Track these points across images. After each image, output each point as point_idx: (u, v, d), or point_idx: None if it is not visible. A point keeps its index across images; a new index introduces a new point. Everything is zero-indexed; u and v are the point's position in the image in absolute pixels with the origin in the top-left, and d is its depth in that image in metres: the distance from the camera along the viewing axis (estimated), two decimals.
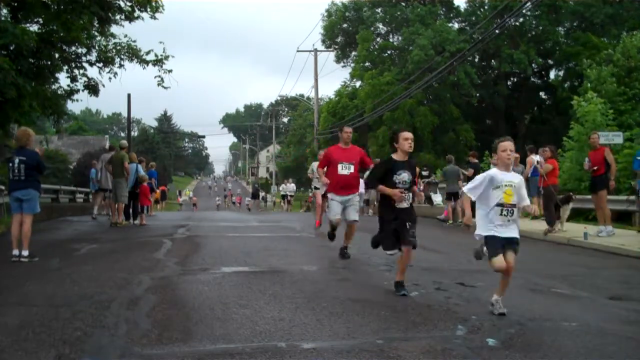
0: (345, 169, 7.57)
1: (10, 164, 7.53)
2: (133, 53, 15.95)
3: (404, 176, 5.35)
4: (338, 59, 42.43)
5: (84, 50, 15.83)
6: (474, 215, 4.82)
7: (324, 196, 11.83)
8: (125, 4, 14.65)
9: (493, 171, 4.72)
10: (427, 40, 32.61)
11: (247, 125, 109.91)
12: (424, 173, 22.32)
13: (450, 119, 35.50)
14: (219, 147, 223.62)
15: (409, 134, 5.46)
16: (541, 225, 11.59)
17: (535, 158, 13.62)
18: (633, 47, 20.69)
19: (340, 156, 7.66)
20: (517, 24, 34.13)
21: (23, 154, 7.56)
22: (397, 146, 5.44)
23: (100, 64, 15.97)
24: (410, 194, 5.43)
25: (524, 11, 28.86)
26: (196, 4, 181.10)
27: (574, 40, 34.01)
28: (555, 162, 11.23)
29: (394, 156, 5.48)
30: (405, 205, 5.35)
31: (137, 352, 3.53)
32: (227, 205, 53.01)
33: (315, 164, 11.63)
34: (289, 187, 33.72)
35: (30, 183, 7.56)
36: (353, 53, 41.64)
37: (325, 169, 7.94)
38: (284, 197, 34.28)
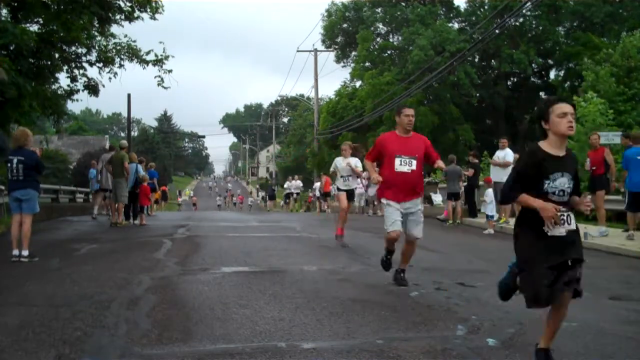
0: (404, 165, 5.64)
1: (9, 164, 7.53)
2: (133, 53, 15.97)
3: (562, 182, 3.25)
4: (338, 59, 42.44)
5: (84, 50, 15.86)
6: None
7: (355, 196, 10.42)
8: (125, 4, 14.70)
9: None
10: (427, 41, 32.60)
11: (247, 125, 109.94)
12: None
13: (450, 119, 35.52)
14: (219, 147, 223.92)
15: (565, 107, 3.27)
16: None
17: None
18: (632, 47, 20.70)
19: (398, 147, 5.72)
20: (517, 24, 34.12)
21: (21, 154, 7.56)
22: (548, 127, 3.31)
23: (100, 64, 15.99)
24: (571, 214, 3.28)
25: (524, 11, 28.85)
26: (196, 4, 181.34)
27: (574, 40, 34.01)
28: None
29: (545, 145, 3.31)
30: (562, 231, 3.22)
31: (137, 352, 3.53)
32: (228, 206, 52.97)
33: (339, 160, 9.90)
34: (294, 183, 31.10)
35: (29, 183, 7.56)
36: (353, 53, 41.63)
37: (374, 162, 6.06)
38: (288, 195, 31.49)
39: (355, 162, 9.86)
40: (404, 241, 5.87)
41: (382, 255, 6.04)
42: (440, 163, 5.89)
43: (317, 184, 26.43)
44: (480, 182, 14.86)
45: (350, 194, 10.08)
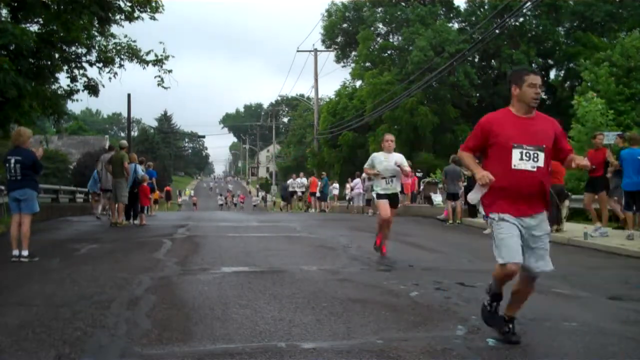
0: (527, 160, 3.74)
1: (7, 165, 7.54)
2: (133, 53, 15.95)
3: None
4: (338, 59, 42.47)
5: (84, 51, 15.83)
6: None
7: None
8: (125, 4, 14.66)
9: None
10: (426, 42, 32.61)
11: (247, 125, 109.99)
12: (419, 174, 22.36)
13: (449, 119, 35.53)
14: (219, 147, 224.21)
15: None
16: None
17: None
18: (632, 47, 20.69)
19: (518, 132, 3.79)
20: (517, 24, 34.12)
21: (18, 153, 7.56)
22: None
23: (100, 64, 15.96)
24: None
25: (523, 11, 28.86)
26: (197, 5, 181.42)
27: (574, 40, 34.02)
28: (554, 163, 11.19)
29: None
30: None
31: (137, 352, 3.53)
32: (229, 207, 52.71)
33: (379, 156, 7.73)
34: (299, 181, 28.43)
35: (27, 183, 7.55)
36: (353, 53, 41.66)
37: (474, 155, 4.03)
38: (292, 194, 28.65)
39: (401, 159, 7.88)
40: (517, 277, 3.82)
41: (484, 301, 4.03)
42: (580, 160, 3.94)
43: (318, 184, 26.41)
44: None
45: (393, 198, 7.80)
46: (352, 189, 24.33)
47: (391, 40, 39.96)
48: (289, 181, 29.62)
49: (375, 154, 7.93)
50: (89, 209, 18.78)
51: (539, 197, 3.82)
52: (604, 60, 21.06)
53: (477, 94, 36.54)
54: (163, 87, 16.05)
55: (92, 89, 16.15)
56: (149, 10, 14.84)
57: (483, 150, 3.94)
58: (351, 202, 24.41)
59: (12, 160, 7.49)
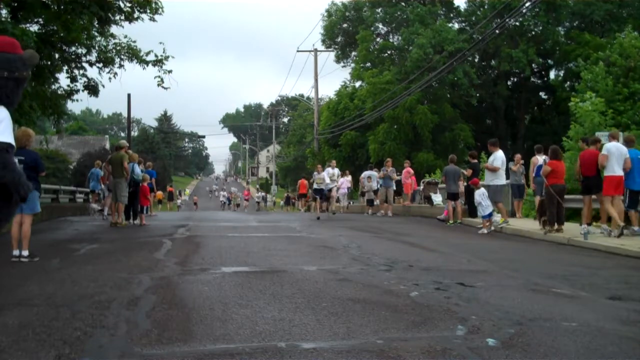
0: None
1: None
2: (133, 53, 15.97)
3: None
4: (338, 59, 42.49)
5: (84, 51, 15.86)
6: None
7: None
8: (125, 5, 14.68)
9: None
10: (426, 40, 32.62)
11: (247, 125, 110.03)
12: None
13: (449, 119, 35.54)
14: (219, 147, 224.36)
15: None
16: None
17: (540, 159, 13.67)
18: (631, 47, 20.67)
19: None
20: (517, 24, 34.13)
21: (21, 154, 7.58)
22: None
23: (100, 64, 15.99)
24: None
25: (523, 10, 28.87)
26: (197, 5, 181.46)
27: (571, 40, 34.04)
28: (554, 163, 11.23)
29: None
30: None
31: (137, 352, 3.53)
32: (232, 208, 52.07)
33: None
34: (331, 172, 19.17)
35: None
36: (353, 53, 41.68)
37: None
38: (318, 192, 18.07)
39: None
40: None
41: None
42: None
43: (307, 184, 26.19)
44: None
45: None
46: (338, 188, 24.05)
47: (391, 40, 39.97)
48: (314, 174, 18.99)
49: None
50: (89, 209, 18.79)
51: None
52: (602, 60, 21.05)
53: (477, 94, 36.56)
54: (163, 87, 16.07)
55: (92, 89, 16.18)
56: (148, 11, 14.86)
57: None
58: (339, 202, 23.99)
59: (15, 161, 7.50)
